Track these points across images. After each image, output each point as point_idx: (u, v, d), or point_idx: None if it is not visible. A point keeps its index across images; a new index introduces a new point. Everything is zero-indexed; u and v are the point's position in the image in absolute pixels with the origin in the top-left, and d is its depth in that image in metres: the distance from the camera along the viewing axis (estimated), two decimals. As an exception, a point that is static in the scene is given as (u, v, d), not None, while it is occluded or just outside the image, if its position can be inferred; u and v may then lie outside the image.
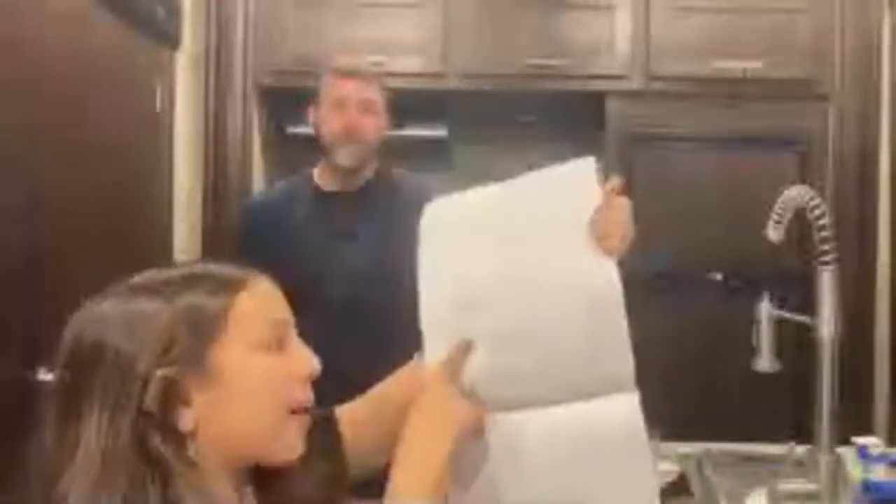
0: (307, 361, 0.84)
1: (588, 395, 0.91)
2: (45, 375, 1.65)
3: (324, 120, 1.90)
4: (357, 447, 1.01)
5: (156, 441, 0.74)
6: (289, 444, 0.83)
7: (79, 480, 0.73)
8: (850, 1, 2.70)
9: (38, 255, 1.67)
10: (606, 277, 0.90)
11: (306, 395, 0.84)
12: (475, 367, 0.92)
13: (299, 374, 0.83)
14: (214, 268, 0.84)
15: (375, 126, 1.89)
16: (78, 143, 1.87)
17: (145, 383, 0.74)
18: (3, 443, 1.54)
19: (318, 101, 1.91)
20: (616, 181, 0.95)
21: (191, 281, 0.81)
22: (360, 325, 1.80)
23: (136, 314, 0.77)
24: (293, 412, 0.82)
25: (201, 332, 0.77)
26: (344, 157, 1.88)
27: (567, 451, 0.91)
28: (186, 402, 0.76)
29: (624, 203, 0.95)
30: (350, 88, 1.88)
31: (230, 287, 0.81)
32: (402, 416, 0.97)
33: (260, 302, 0.82)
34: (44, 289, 1.67)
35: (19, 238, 1.62)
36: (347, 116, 1.87)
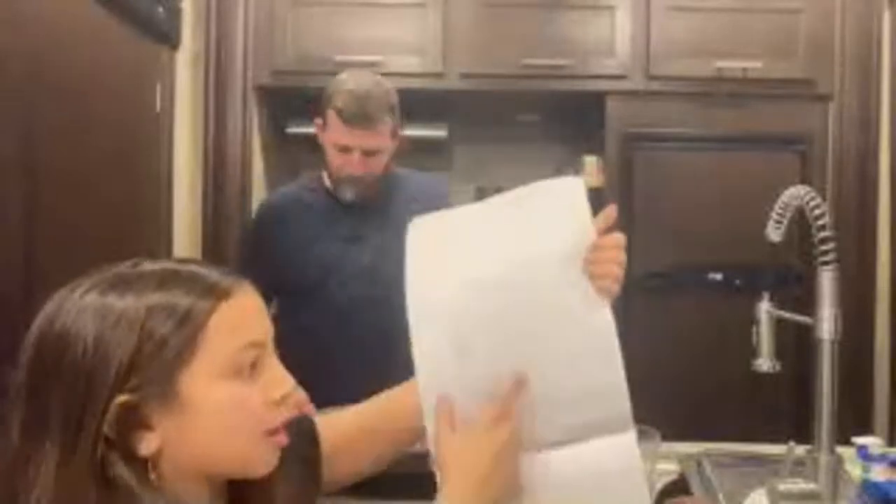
0: (281, 384, 0.81)
1: (583, 438, 0.89)
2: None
3: (326, 155, 1.88)
4: (346, 455, 1.00)
5: (117, 465, 0.72)
6: (262, 463, 0.81)
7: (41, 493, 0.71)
8: (850, 1, 2.70)
9: (37, 255, 1.66)
10: (602, 321, 0.88)
11: (281, 417, 0.81)
12: (471, 408, 0.90)
13: (273, 399, 0.80)
14: (198, 272, 0.80)
15: (381, 163, 1.86)
16: (77, 143, 1.86)
17: (106, 407, 0.71)
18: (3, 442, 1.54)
19: (322, 119, 1.86)
20: (610, 210, 0.92)
21: (168, 285, 0.77)
22: (368, 325, 1.80)
23: (103, 329, 0.74)
24: (267, 434, 0.80)
25: (168, 356, 0.74)
26: (347, 193, 1.88)
27: (563, 495, 0.90)
28: (148, 427, 0.74)
29: (619, 240, 0.91)
30: (354, 139, 1.81)
31: (212, 296, 0.77)
32: (397, 429, 0.97)
33: (237, 321, 0.78)
34: (42, 289, 1.66)
35: (18, 237, 1.62)
36: (351, 163, 1.83)
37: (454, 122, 3.00)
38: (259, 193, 2.85)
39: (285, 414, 0.81)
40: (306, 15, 2.73)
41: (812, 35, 2.70)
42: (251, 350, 0.79)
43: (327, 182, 1.94)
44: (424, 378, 0.91)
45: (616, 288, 0.89)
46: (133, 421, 0.73)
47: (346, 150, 1.82)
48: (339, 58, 2.62)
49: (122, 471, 0.72)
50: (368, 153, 1.82)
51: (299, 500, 0.91)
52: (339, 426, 1.01)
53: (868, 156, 2.71)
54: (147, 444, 0.74)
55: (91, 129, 1.94)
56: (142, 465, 0.74)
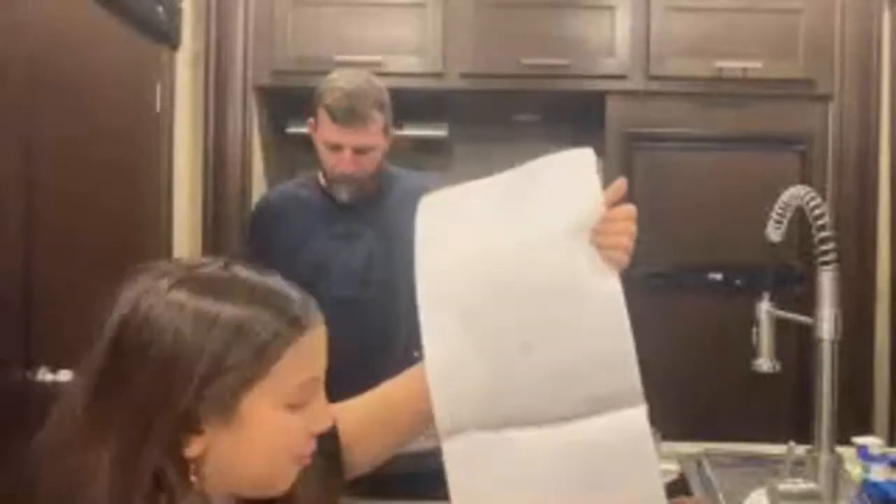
0: (324, 419, 0.84)
1: (594, 412, 0.88)
2: (44, 375, 1.65)
3: (319, 154, 1.88)
4: (360, 444, 1.00)
5: (164, 461, 0.74)
6: (283, 482, 0.83)
7: (97, 487, 0.73)
8: (850, 1, 2.70)
9: (37, 255, 1.66)
10: (610, 291, 0.87)
11: (312, 446, 0.83)
12: (478, 381, 0.90)
13: (313, 431, 0.83)
14: (288, 295, 0.81)
15: (374, 162, 1.85)
16: (77, 143, 1.87)
17: (179, 408, 0.74)
18: (3, 443, 1.54)
19: (314, 119, 1.86)
20: (620, 183, 0.92)
21: (259, 302, 0.78)
22: (363, 324, 1.80)
23: (195, 331, 0.75)
24: (296, 458, 0.82)
25: (241, 375, 0.76)
26: (340, 193, 1.88)
27: (574, 470, 0.89)
28: (198, 431, 0.76)
29: (630, 211, 0.91)
30: (344, 137, 1.80)
31: (293, 327, 0.78)
32: (410, 415, 0.97)
33: (307, 356, 0.80)
34: (43, 289, 1.66)
35: (18, 237, 1.62)
36: (342, 162, 1.82)
37: (454, 122, 3.00)
38: (259, 193, 2.84)
39: (314, 444, 0.84)
40: (306, 15, 2.73)
41: (812, 35, 2.70)
42: (311, 385, 0.81)
43: (322, 180, 1.94)
44: (432, 354, 0.91)
45: (625, 259, 0.89)
46: (186, 424, 0.75)
47: (337, 148, 1.81)
48: (339, 58, 2.62)
49: (168, 467, 0.74)
50: (359, 151, 1.81)
51: (323, 496, 0.92)
52: (352, 415, 1.00)
53: (868, 156, 2.70)
54: (194, 447, 0.76)
55: (91, 130, 1.94)
56: (185, 466, 0.76)
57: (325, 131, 1.83)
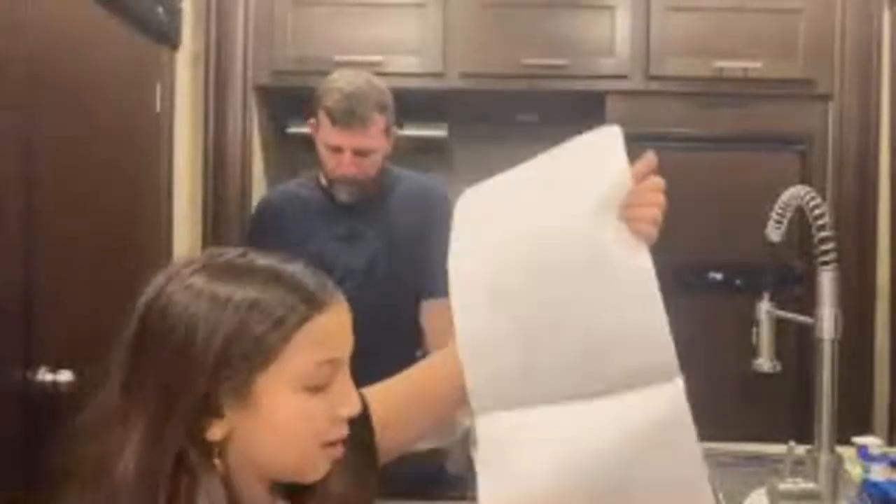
0: (350, 403, 0.83)
1: (628, 387, 0.87)
2: (44, 376, 1.65)
3: (319, 154, 1.87)
4: (394, 426, 0.99)
5: (186, 444, 0.76)
6: (313, 472, 0.82)
7: (124, 465, 0.74)
8: (850, 1, 2.69)
9: (37, 255, 1.66)
10: (640, 264, 0.87)
11: (341, 433, 0.83)
12: (510, 359, 0.90)
13: (339, 416, 0.82)
14: (302, 278, 0.82)
15: (374, 164, 1.84)
16: (77, 143, 1.86)
17: (197, 390, 0.75)
18: (4, 442, 1.54)
19: (315, 120, 1.85)
20: (650, 158, 0.91)
21: (273, 284, 0.79)
22: (364, 325, 1.81)
23: (208, 313, 0.76)
24: (325, 445, 0.82)
25: (253, 356, 0.76)
26: (341, 193, 1.88)
27: (607, 445, 0.88)
28: (219, 415, 0.77)
29: (658, 184, 0.91)
30: (344, 139, 1.79)
31: (307, 307, 0.79)
32: (443, 394, 0.96)
33: (322, 336, 0.80)
34: (43, 289, 1.66)
35: (18, 237, 1.62)
36: (343, 164, 1.82)
37: (454, 122, 3.00)
38: (259, 193, 2.84)
39: (345, 430, 0.83)
40: (306, 15, 2.73)
41: (812, 35, 2.69)
42: (327, 367, 0.80)
43: (323, 180, 1.94)
44: (463, 333, 0.91)
45: (654, 231, 0.89)
46: (206, 406, 0.76)
47: (337, 150, 1.81)
48: (339, 58, 2.62)
49: (190, 450, 0.76)
50: (360, 153, 1.81)
51: (357, 489, 0.91)
52: (384, 396, 1.00)
53: (868, 156, 2.70)
54: (215, 431, 0.77)
55: (91, 130, 1.94)
56: (208, 449, 0.77)
57: (325, 133, 1.82)
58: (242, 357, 0.76)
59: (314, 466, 0.82)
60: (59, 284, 1.72)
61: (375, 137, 1.82)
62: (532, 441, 0.90)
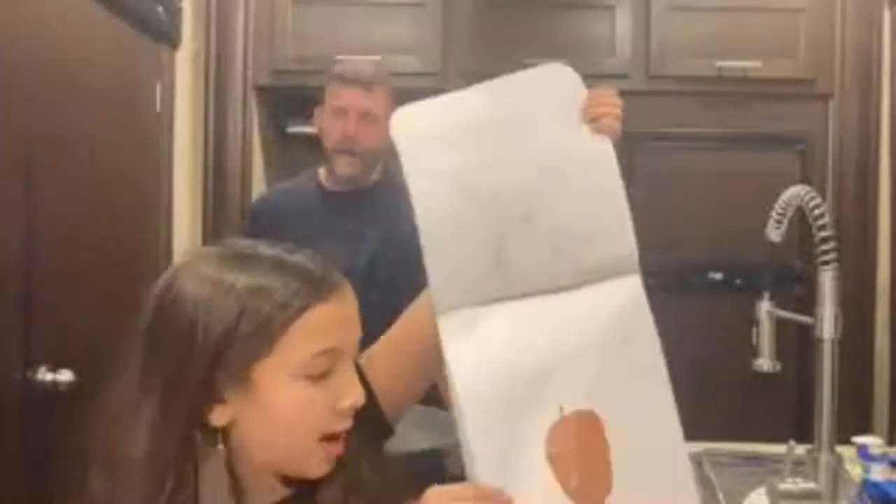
0: (351, 394, 0.82)
1: (593, 281, 0.89)
2: (44, 375, 1.65)
3: (325, 127, 1.90)
4: (397, 383, 0.99)
5: (192, 430, 0.77)
6: (313, 467, 0.82)
7: (135, 448, 0.76)
8: (850, 1, 2.69)
9: (37, 255, 1.66)
10: (604, 157, 0.90)
11: (343, 426, 0.82)
12: (482, 258, 0.89)
13: (340, 407, 0.81)
14: (307, 266, 0.82)
15: (376, 135, 1.86)
16: (77, 143, 1.87)
17: (202, 374, 0.76)
18: (4, 442, 1.54)
19: (323, 105, 1.90)
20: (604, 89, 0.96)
21: (275, 272, 0.80)
22: (365, 325, 1.80)
23: (212, 298, 0.77)
24: (326, 439, 0.81)
25: (252, 342, 0.77)
26: (343, 166, 1.88)
27: (573, 336, 0.89)
28: (222, 401, 0.78)
29: (613, 91, 0.95)
30: (350, 98, 1.85)
31: (307, 296, 0.79)
32: (422, 350, 0.96)
33: (321, 326, 0.80)
34: (42, 289, 1.66)
35: (18, 237, 1.62)
36: (346, 127, 1.85)
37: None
38: (259, 193, 2.85)
39: (347, 423, 0.82)
40: (306, 15, 2.72)
41: (812, 35, 2.69)
42: (325, 357, 0.80)
43: (322, 178, 1.95)
44: (426, 226, 0.89)
45: (616, 125, 0.92)
46: (209, 391, 0.77)
47: (342, 113, 1.86)
48: (339, 58, 2.60)
49: (195, 433, 0.78)
50: (364, 116, 1.85)
51: (371, 452, 0.90)
52: (379, 355, 0.99)
53: (868, 156, 2.70)
54: (218, 416, 0.78)
55: (91, 129, 1.94)
56: (212, 434, 0.78)
57: (331, 99, 1.88)
58: (242, 342, 0.77)
59: (314, 462, 0.81)
60: (59, 284, 1.72)
61: (379, 102, 1.87)
62: (496, 334, 0.88)
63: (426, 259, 0.89)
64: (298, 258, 0.83)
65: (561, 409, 0.86)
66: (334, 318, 0.81)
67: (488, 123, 0.93)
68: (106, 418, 0.80)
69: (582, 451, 0.85)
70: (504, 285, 0.89)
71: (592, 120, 0.91)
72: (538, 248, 0.89)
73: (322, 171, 1.97)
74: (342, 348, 0.82)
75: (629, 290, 0.90)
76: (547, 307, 0.89)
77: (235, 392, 0.78)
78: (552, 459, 0.85)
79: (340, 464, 0.83)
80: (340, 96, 1.87)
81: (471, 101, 0.97)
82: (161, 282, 0.82)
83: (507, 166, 0.90)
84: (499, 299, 0.89)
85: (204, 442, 0.78)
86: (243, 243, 0.85)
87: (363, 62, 1.92)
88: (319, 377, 0.79)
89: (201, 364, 0.76)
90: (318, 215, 1.92)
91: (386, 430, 0.98)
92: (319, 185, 1.95)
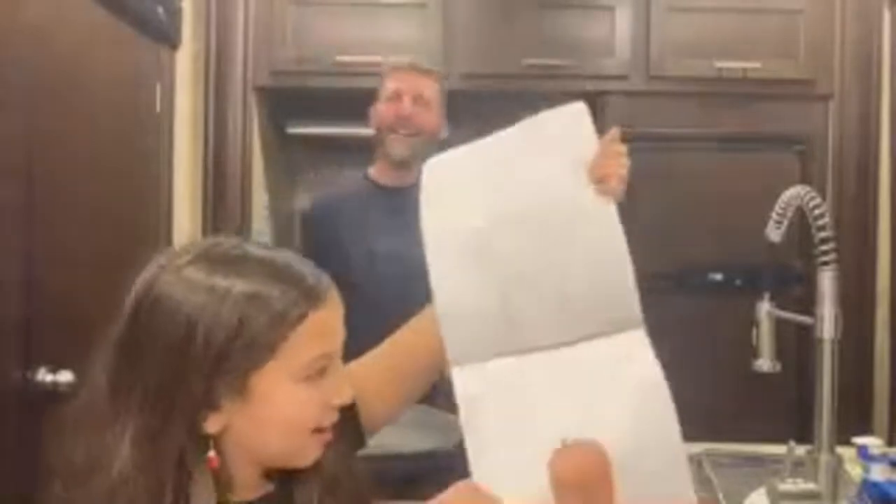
0: (342, 392, 0.84)
1: (595, 335, 0.90)
2: (44, 376, 1.65)
3: (378, 111, 1.97)
4: (380, 396, 1.00)
5: (187, 440, 0.76)
6: (306, 457, 0.83)
7: (119, 463, 0.74)
8: (850, 1, 2.69)
9: (37, 255, 1.66)
10: (607, 219, 0.90)
11: (332, 419, 0.84)
12: (486, 315, 0.91)
13: (332, 404, 0.83)
14: (299, 271, 0.82)
15: (429, 120, 1.96)
16: (77, 143, 1.86)
17: (197, 385, 0.75)
18: (4, 442, 1.54)
19: (376, 103, 1.97)
20: (615, 131, 0.95)
21: (270, 278, 0.79)
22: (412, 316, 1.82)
23: (206, 306, 0.75)
24: (316, 431, 0.83)
25: (252, 352, 0.76)
26: (396, 146, 1.93)
27: (578, 391, 0.90)
28: (216, 408, 0.77)
29: (621, 149, 0.95)
30: (405, 81, 1.94)
31: (305, 303, 0.79)
32: (425, 357, 0.98)
33: (320, 331, 0.80)
34: (43, 289, 1.66)
35: (18, 237, 1.62)
36: (400, 107, 1.92)
37: (454, 123, 3.00)
38: (259, 194, 2.85)
39: (335, 417, 0.84)
40: (306, 15, 2.72)
41: (812, 35, 2.69)
42: (324, 360, 0.81)
43: (373, 175, 2.01)
44: (439, 291, 0.92)
45: (620, 188, 0.92)
46: (205, 401, 0.76)
47: (396, 96, 1.93)
48: (339, 58, 2.62)
49: (189, 443, 0.76)
50: (418, 99, 1.93)
51: (347, 469, 0.91)
52: (368, 369, 1.01)
53: (868, 156, 2.70)
54: (212, 424, 0.77)
55: (91, 129, 1.94)
56: (204, 441, 0.77)
57: (387, 84, 1.96)
58: (243, 351, 0.76)
59: (306, 452, 0.83)
60: (59, 284, 1.72)
61: (433, 88, 1.97)
62: (505, 389, 0.91)
63: (437, 310, 0.92)
64: (289, 261, 0.83)
65: (563, 441, 0.87)
66: (331, 322, 0.83)
67: (505, 180, 0.95)
68: (76, 436, 0.78)
69: (584, 481, 0.87)
70: (514, 342, 0.91)
71: (599, 180, 0.92)
72: (540, 306, 0.91)
73: (372, 169, 2.01)
74: (336, 349, 0.84)
75: (632, 345, 0.90)
76: (546, 363, 0.91)
77: (232, 399, 0.77)
78: (553, 485, 0.86)
79: (318, 464, 0.85)
80: (394, 80, 1.96)
81: (491, 153, 1.00)
82: (137, 290, 0.79)
83: (519, 226, 0.92)
84: (509, 352, 0.91)
85: (195, 452, 0.77)
86: (229, 243, 0.83)
87: (418, 61, 2.05)
88: (315, 377, 0.81)
89: (197, 375, 0.75)
90: (374, 210, 1.96)
91: (359, 441, 0.99)
92: (371, 182, 1.99)
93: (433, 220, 0.95)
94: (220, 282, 0.77)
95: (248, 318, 0.76)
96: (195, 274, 0.78)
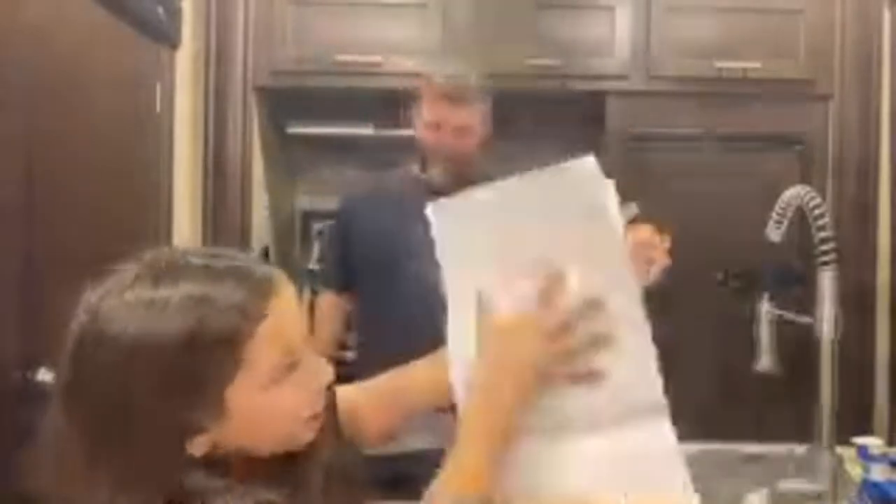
0: (320, 375, 0.83)
1: (620, 421, 0.90)
2: (44, 376, 1.65)
3: (420, 137, 1.96)
4: (374, 421, 1.02)
5: (180, 472, 0.73)
6: (300, 441, 0.83)
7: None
8: (850, 1, 2.69)
9: (37, 255, 1.66)
10: (634, 300, 0.92)
11: (321, 403, 0.83)
12: None
13: (314, 389, 0.82)
14: (242, 266, 0.78)
15: (470, 143, 1.93)
16: (77, 143, 1.87)
17: (168, 421, 0.73)
18: (4, 442, 1.54)
19: (418, 109, 1.94)
20: (630, 211, 0.96)
21: (215, 285, 0.75)
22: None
23: (151, 325, 0.72)
24: (308, 419, 0.82)
25: (214, 371, 0.74)
26: (437, 175, 1.93)
27: (602, 478, 0.90)
28: (201, 431, 0.75)
29: (666, 240, 0.99)
30: (445, 114, 1.90)
31: (255, 308, 0.75)
32: (406, 404, 1.00)
33: (277, 330, 0.77)
34: (43, 289, 1.66)
35: (18, 237, 1.62)
36: (441, 140, 1.91)
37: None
38: (259, 193, 2.85)
39: (323, 398, 0.84)
40: (306, 15, 2.72)
41: (812, 35, 2.69)
42: (289, 356, 0.79)
43: (417, 171, 2.00)
44: (454, 347, 0.93)
45: (649, 275, 0.96)
46: (185, 429, 0.74)
47: (437, 126, 1.91)
48: (339, 58, 2.62)
49: (184, 476, 0.73)
50: (458, 132, 1.90)
51: (338, 459, 0.91)
52: (369, 396, 1.02)
53: (868, 156, 2.70)
54: (199, 446, 0.75)
55: (91, 129, 1.94)
56: (196, 463, 0.75)
57: (427, 110, 1.92)
58: (208, 361, 0.73)
59: (301, 437, 0.82)
60: (59, 284, 1.71)
61: (473, 116, 1.92)
62: (529, 466, 0.91)
63: (450, 355, 0.93)
64: (234, 260, 0.79)
65: None
66: (284, 315, 0.78)
67: (526, 249, 0.93)
68: (42, 474, 0.76)
69: None
70: (533, 422, 0.90)
71: (646, 262, 0.95)
72: (562, 389, 0.90)
73: (415, 167, 2.02)
74: (299, 342, 0.81)
75: (657, 432, 0.91)
76: (572, 447, 0.91)
77: (215, 418, 0.75)
78: None
79: (317, 451, 0.84)
80: (435, 111, 1.91)
81: (502, 204, 0.96)
82: (80, 315, 0.75)
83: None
84: (527, 434, 0.90)
85: (203, 478, 0.74)
86: (169, 255, 0.79)
87: (459, 74, 1.94)
88: (288, 370, 0.78)
89: (170, 402, 0.72)
90: (412, 203, 1.96)
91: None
92: (412, 176, 2.01)
93: (450, 271, 0.95)
94: (160, 294, 0.73)
95: (197, 331, 0.72)
96: (135, 294, 0.74)
